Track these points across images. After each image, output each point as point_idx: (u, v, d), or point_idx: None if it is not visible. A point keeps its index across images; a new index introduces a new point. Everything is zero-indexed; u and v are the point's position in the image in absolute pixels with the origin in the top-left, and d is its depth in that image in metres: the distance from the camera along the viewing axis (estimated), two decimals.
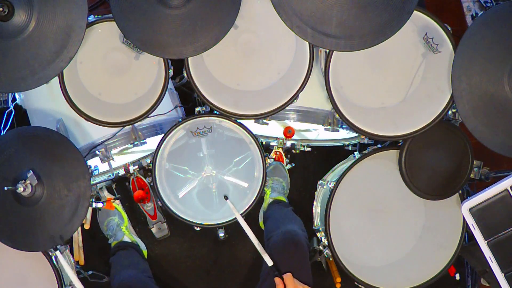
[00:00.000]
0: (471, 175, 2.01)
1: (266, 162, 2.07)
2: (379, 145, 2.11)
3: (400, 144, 2.01)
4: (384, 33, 1.74)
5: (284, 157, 2.42)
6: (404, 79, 1.96)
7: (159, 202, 2.08)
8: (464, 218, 1.90)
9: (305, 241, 2.01)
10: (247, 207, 2.07)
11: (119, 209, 2.41)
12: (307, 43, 1.90)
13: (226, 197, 2.05)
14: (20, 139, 1.84)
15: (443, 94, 1.91)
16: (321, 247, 2.19)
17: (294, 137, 2.32)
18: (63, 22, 1.73)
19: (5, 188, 1.70)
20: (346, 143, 2.33)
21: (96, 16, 1.91)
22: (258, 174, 2.09)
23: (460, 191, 2.03)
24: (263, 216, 2.38)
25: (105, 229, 2.40)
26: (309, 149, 2.39)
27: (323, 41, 1.77)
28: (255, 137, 2.05)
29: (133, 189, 2.32)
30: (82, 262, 2.24)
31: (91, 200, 1.86)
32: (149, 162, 2.28)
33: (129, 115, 1.96)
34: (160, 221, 2.43)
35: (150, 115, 1.97)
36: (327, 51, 1.87)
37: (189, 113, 2.30)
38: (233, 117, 2.01)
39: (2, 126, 2.30)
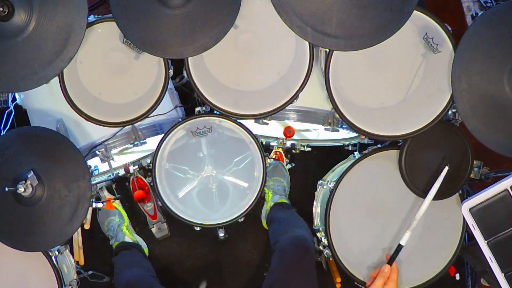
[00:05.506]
0: (471, 175, 2.01)
1: (266, 162, 2.06)
2: (379, 145, 2.11)
3: (400, 144, 2.01)
4: (384, 33, 1.74)
5: (284, 157, 2.42)
6: (404, 79, 1.95)
7: (159, 202, 2.07)
8: (464, 218, 1.90)
9: (313, 246, 2.01)
10: (247, 207, 2.07)
11: (119, 209, 2.41)
12: (307, 43, 1.90)
13: None
14: (20, 139, 1.83)
15: (443, 94, 1.90)
16: (321, 247, 2.19)
17: (294, 137, 2.32)
18: (63, 22, 1.72)
19: (6, 189, 1.70)
20: (346, 143, 2.33)
21: (96, 16, 1.91)
22: (258, 174, 2.09)
23: (460, 191, 2.02)
24: (266, 217, 2.38)
25: (106, 229, 2.40)
26: (309, 149, 2.39)
27: (323, 41, 1.77)
28: (255, 137, 2.05)
29: (133, 189, 2.32)
30: (82, 262, 2.24)
31: (91, 200, 1.86)
32: (149, 162, 2.28)
33: (129, 115, 1.96)
34: (160, 221, 2.43)
35: (150, 115, 1.97)
36: (327, 51, 1.87)
37: (189, 113, 2.30)
38: (233, 117, 2.01)
39: (2, 126, 2.29)
